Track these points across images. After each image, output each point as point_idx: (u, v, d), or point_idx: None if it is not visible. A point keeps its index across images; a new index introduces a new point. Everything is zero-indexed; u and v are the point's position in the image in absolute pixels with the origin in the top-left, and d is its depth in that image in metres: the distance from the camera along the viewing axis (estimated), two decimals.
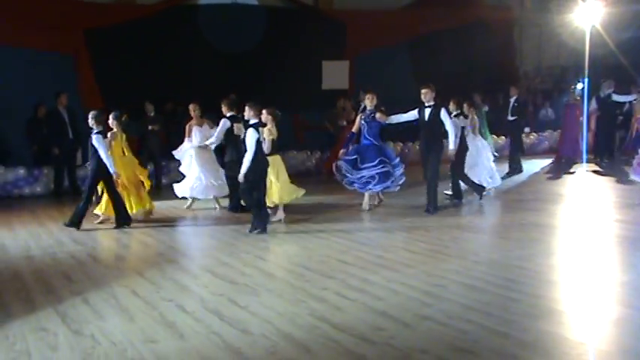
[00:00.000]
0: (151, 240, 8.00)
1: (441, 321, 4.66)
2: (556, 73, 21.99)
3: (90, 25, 13.52)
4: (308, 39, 15.74)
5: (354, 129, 9.55)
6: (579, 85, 15.35)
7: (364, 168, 9.24)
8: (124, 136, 9.18)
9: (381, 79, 16.18)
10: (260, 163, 7.99)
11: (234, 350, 4.23)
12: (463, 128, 10.04)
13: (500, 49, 19.64)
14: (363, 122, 9.39)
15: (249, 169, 7.83)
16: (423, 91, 9.09)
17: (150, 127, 12.40)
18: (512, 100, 14.03)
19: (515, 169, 13.82)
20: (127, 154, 9.19)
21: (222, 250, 7.26)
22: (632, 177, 10.94)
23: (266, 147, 8.24)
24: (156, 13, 14.38)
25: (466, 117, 10.16)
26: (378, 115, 9.24)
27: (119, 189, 8.77)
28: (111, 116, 9.02)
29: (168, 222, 9.18)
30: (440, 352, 4.10)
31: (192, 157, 9.92)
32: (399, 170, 9.44)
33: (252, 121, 8.02)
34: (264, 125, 8.36)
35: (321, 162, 14.54)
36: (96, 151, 8.43)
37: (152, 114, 12.54)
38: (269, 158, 8.30)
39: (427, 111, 9.03)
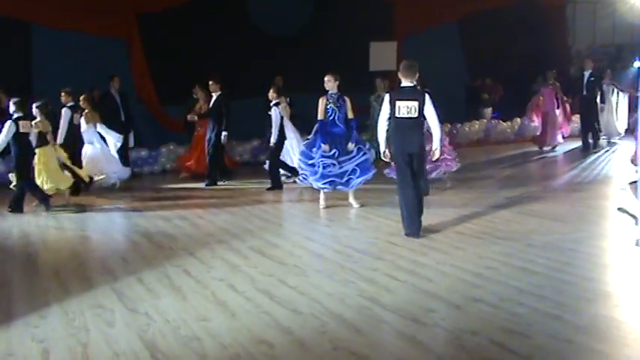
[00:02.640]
0: (201, 221, 8.12)
1: (492, 303, 4.61)
2: (611, 51, 21.27)
3: (142, 10, 13.72)
4: (355, 20, 15.59)
5: (321, 116, 8.23)
6: (637, 64, 14.89)
7: (345, 161, 8.22)
8: None
9: (430, 59, 15.89)
10: (26, 151, 8.82)
11: (284, 329, 4.27)
12: (282, 118, 10.08)
13: (552, 26, 19.09)
14: (332, 107, 8.22)
15: (17, 156, 8.74)
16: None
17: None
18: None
19: None
20: None
21: (271, 231, 7.32)
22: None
23: (33, 139, 8.87)
24: None
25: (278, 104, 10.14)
26: (348, 106, 8.30)
27: None
28: None
29: (218, 203, 9.30)
30: (491, 334, 4.06)
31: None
32: (372, 154, 8.47)
33: (15, 115, 8.66)
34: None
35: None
36: None
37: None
38: (38, 150, 8.89)
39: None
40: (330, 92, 8.31)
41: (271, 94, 10.17)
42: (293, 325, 4.33)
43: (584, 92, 14.08)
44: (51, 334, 4.33)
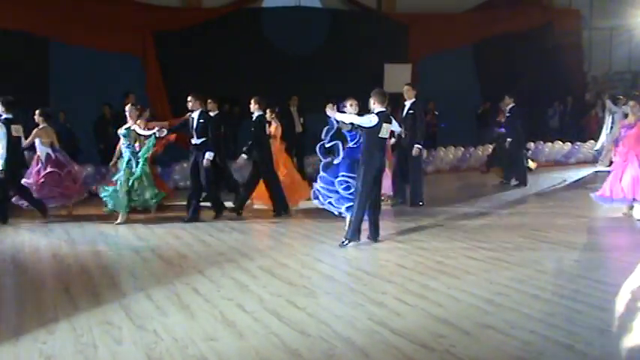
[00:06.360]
0: (211, 239, 8.12)
1: (503, 330, 4.55)
2: (627, 78, 21.24)
3: (158, 28, 13.91)
4: (370, 42, 15.73)
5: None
6: None
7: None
8: None
9: (444, 82, 16.01)
10: None
11: (292, 352, 4.24)
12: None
13: (568, 53, 19.13)
14: (357, 131, 7.82)
15: None
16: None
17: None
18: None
19: None
20: None
21: (280, 251, 7.31)
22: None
23: None
24: (221, 15, 14.66)
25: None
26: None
27: None
28: None
29: (230, 222, 9.30)
30: None
31: None
32: None
33: None
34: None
35: None
36: None
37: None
38: None
39: None
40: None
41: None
42: (301, 348, 4.30)
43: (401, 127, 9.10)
44: (59, 351, 4.32)
